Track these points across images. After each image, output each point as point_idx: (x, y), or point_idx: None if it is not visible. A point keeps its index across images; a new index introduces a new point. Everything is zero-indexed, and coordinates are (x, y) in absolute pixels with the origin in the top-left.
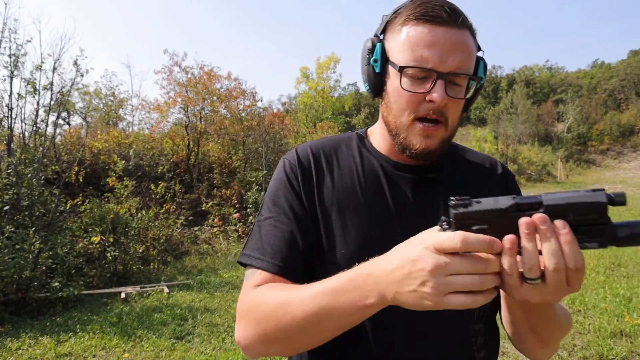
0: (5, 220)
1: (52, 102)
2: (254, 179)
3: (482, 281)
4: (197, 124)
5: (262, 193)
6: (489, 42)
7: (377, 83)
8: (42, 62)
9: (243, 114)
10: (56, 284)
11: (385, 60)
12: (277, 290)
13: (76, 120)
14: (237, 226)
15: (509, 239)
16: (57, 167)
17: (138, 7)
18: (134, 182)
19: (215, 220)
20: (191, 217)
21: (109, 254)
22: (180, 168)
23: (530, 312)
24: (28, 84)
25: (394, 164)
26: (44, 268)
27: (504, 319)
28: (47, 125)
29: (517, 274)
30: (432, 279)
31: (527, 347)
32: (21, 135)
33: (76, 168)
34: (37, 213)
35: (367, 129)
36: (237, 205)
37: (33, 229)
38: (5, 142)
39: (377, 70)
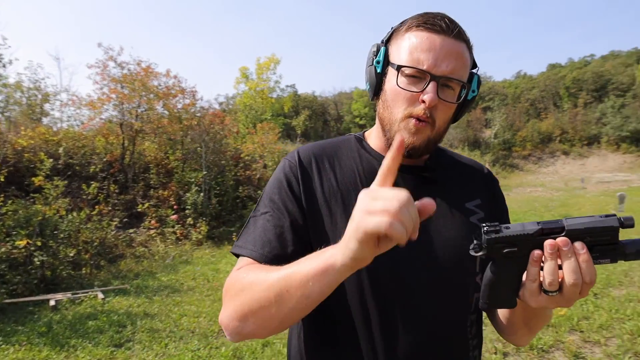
0: None
1: None
2: (193, 180)
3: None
4: (133, 122)
5: (202, 194)
6: None
7: (377, 82)
8: None
9: (184, 114)
10: None
11: (386, 62)
12: (255, 269)
13: None
14: (175, 228)
15: (536, 253)
16: None
17: None
18: (65, 182)
19: (152, 222)
20: (126, 219)
21: (36, 259)
22: (114, 167)
23: (529, 311)
24: None
25: None
26: None
27: (500, 315)
28: None
29: (539, 284)
30: (362, 199)
31: (517, 338)
32: None
33: None
34: None
35: (364, 132)
36: (175, 207)
37: None
38: None
39: (379, 71)
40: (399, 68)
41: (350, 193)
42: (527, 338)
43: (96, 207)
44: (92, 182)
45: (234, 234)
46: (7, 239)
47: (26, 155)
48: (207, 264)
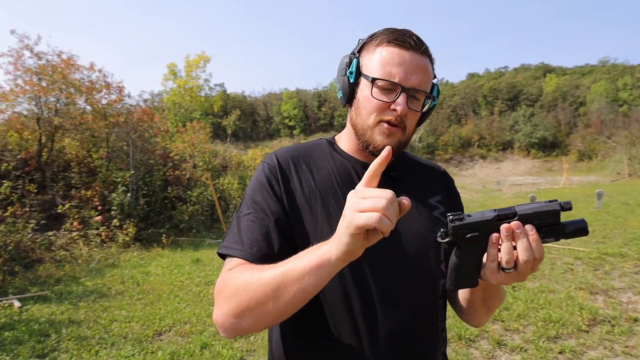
0: None
1: None
2: (119, 179)
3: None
4: (51, 117)
5: (129, 194)
6: None
7: (350, 91)
8: None
9: (110, 110)
10: None
11: (359, 73)
12: (249, 268)
13: None
14: (100, 230)
15: (494, 236)
16: None
17: None
18: None
19: (74, 223)
20: (44, 221)
21: None
22: (29, 166)
23: (487, 290)
24: None
25: (363, 164)
26: None
27: (460, 298)
28: None
29: (497, 263)
30: (351, 198)
31: (476, 318)
32: None
33: None
34: None
35: (334, 136)
36: (99, 207)
37: None
38: None
39: (352, 81)
40: (373, 80)
41: (328, 192)
42: (485, 318)
43: (9, 208)
44: (4, 181)
45: (163, 235)
46: None
47: None
48: (135, 267)
